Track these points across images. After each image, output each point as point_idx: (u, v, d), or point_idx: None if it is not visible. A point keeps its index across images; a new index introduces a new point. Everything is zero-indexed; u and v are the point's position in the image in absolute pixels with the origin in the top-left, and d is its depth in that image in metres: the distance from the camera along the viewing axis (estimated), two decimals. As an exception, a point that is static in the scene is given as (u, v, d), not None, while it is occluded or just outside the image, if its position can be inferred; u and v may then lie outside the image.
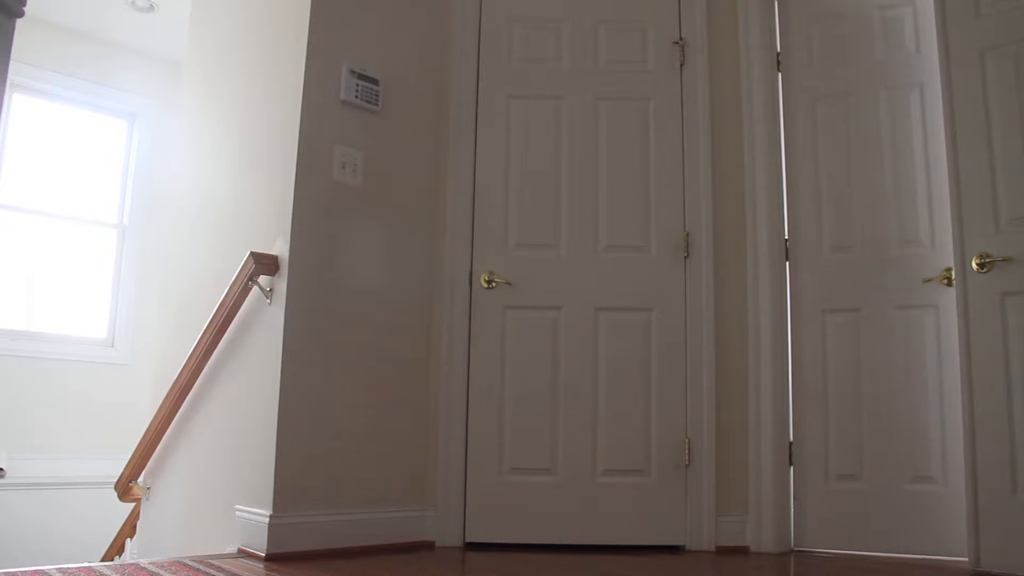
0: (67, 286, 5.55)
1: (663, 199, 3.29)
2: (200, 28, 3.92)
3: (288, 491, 2.71)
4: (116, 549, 4.08)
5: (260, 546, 2.65)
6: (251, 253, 2.83)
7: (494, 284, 3.22)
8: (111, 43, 5.76)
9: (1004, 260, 2.71)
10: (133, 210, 5.83)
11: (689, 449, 3.13)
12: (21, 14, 1.62)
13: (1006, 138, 2.75)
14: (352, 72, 3.03)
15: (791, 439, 3.16)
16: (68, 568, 2.29)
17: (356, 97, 3.03)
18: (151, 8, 5.30)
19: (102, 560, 4.19)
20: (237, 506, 2.83)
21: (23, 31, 1.76)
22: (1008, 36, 2.78)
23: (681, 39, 3.38)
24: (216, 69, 3.64)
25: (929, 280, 3.03)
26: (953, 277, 2.86)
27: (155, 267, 5.38)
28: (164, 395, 3.35)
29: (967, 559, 2.69)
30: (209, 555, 2.72)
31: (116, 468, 3.76)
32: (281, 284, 2.83)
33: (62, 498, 5.16)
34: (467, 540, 3.08)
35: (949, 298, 2.94)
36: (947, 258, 2.97)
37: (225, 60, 3.57)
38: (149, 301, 5.44)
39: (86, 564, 2.42)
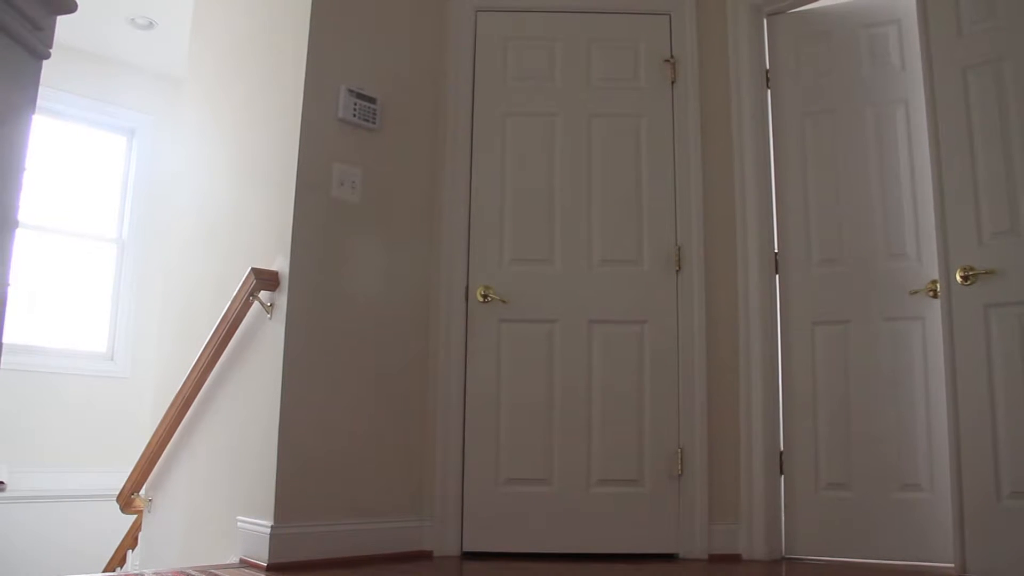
0: (67, 300, 5.59)
1: (655, 214, 3.35)
2: (200, 46, 3.96)
3: (289, 502, 2.76)
4: (118, 561, 4.11)
5: (261, 556, 2.69)
6: (252, 269, 2.89)
7: (490, 298, 3.28)
8: (111, 60, 5.82)
9: (987, 272, 2.77)
10: (132, 225, 5.88)
11: (682, 459, 3.18)
12: (47, 56, 1.59)
13: (988, 153, 2.81)
14: (350, 91, 3.09)
15: (781, 448, 3.22)
16: (74, 579, 2.33)
17: (354, 116, 3.10)
18: (150, 25, 5.35)
19: (104, 572, 4.22)
20: (239, 517, 2.87)
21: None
22: (989, 54, 2.85)
23: (672, 57, 3.45)
24: (216, 86, 3.70)
25: (915, 292, 3.09)
26: (938, 289, 2.92)
27: (154, 281, 5.42)
28: (165, 408, 3.39)
29: (953, 565, 2.74)
30: (211, 565, 2.76)
31: (116, 481, 3.79)
32: (281, 299, 2.89)
33: (63, 511, 5.19)
34: (464, 549, 3.12)
35: (935, 310, 3.00)
36: (933, 271, 3.03)
37: (224, 78, 3.63)
38: (148, 315, 5.48)
39: None
